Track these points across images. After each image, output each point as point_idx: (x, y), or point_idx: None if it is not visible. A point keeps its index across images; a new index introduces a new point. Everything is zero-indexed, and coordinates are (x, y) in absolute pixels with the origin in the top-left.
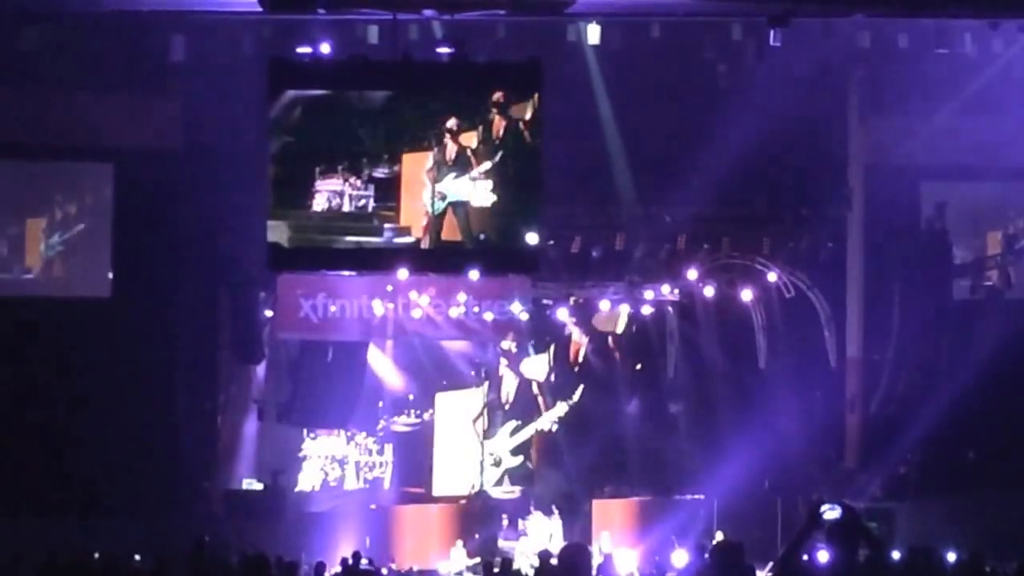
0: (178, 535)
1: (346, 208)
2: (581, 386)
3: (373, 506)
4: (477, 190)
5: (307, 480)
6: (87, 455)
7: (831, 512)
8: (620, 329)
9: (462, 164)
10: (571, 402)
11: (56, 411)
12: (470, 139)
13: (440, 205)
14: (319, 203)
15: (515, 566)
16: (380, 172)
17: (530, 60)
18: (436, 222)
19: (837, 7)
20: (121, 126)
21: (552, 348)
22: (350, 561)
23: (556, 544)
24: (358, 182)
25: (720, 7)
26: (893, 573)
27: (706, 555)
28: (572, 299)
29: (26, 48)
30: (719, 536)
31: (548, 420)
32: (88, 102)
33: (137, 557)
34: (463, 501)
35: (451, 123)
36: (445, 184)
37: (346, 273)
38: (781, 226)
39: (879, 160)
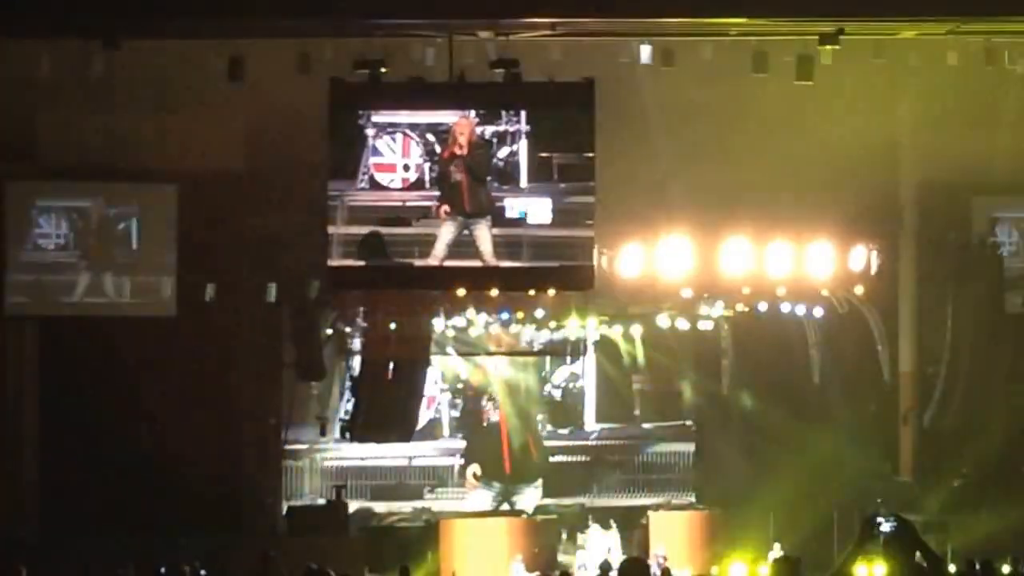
0: (242, 550)
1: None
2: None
3: (433, 520)
4: (534, 206)
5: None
6: (153, 472)
7: (886, 524)
8: None
9: None
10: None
11: (122, 428)
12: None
13: None
14: None
15: None
16: None
17: (584, 80)
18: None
19: (886, 25)
20: (185, 148)
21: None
22: None
23: (614, 558)
24: None
25: (771, 27)
26: None
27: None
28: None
29: (93, 73)
30: (776, 549)
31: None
32: (153, 124)
33: (203, 573)
34: (523, 515)
35: None
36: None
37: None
38: (833, 242)
39: (930, 176)
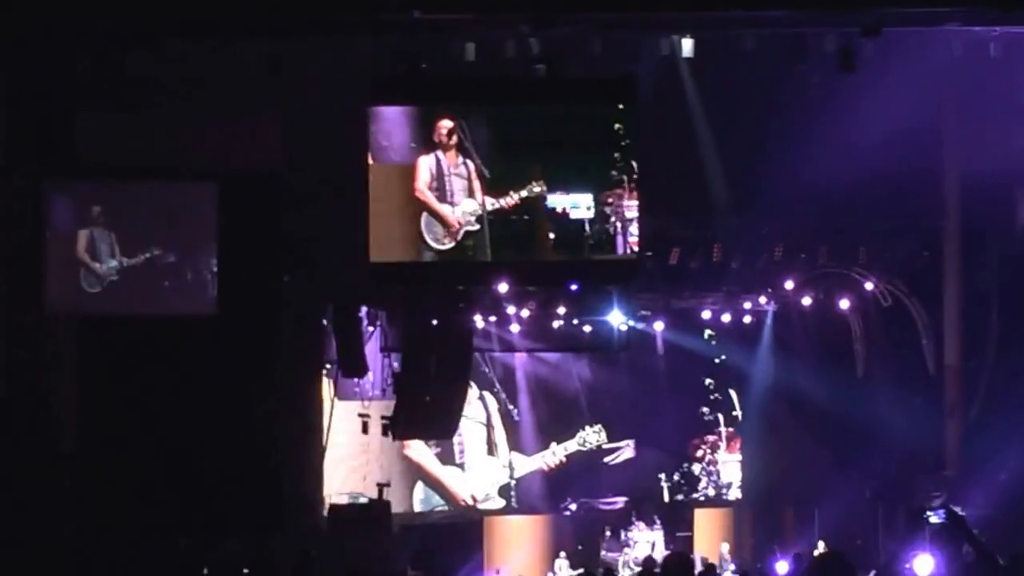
0: (284, 549)
1: None
2: None
3: (477, 517)
4: (576, 201)
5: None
6: (195, 471)
7: (935, 517)
8: None
9: None
10: None
11: (162, 429)
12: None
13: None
14: None
15: None
16: None
17: (626, 74)
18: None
19: (929, 17)
20: (225, 146)
21: None
22: None
23: (658, 554)
24: None
25: (812, 18)
26: (1001, 573)
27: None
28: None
29: (131, 72)
30: (821, 545)
31: None
32: (192, 123)
33: (246, 572)
34: (567, 512)
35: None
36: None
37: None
38: (878, 235)
39: (974, 168)
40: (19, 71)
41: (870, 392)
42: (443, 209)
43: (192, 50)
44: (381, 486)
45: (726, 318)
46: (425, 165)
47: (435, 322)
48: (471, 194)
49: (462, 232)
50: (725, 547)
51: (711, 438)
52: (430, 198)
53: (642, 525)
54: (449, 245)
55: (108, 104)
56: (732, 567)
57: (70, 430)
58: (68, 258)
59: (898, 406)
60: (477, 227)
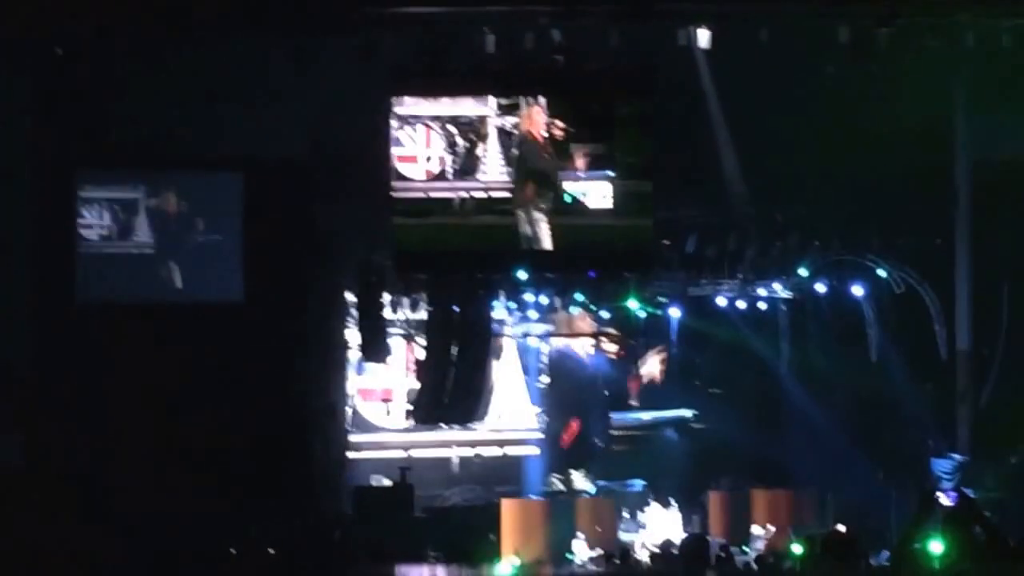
0: (309, 531)
1: None
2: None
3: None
4: (594, 189)
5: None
6: (223, 454)
7: (947, 500)
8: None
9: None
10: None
11: (189, 416)
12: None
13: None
14: None
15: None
16: None
17: (644, 65)
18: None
19: (942, 7)
20: (250, 136)
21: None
22: None
23: (675, 536)
24: None
25: (826, 9)
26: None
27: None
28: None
29: (160, 63)
30: (838, 528)
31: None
32: (218, 113)
33: (271, 553)
34: (584, 495)
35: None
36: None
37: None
38: (890, 223)
39: (985, 156)
40: (52, 63)
41: (883, 377)
42: None
43: (219, 41)
44: (404, 469)
45: (741, 305)
46: None
47: (456, 308)
48: None
49: None
50: (756, 530)
51: None
52: None
53: (658, 507)
54: None
55: (139, 96)
56: (760, 547)
57: (99, 419)
58: (99, 245)
59: (911, 391)
60: None
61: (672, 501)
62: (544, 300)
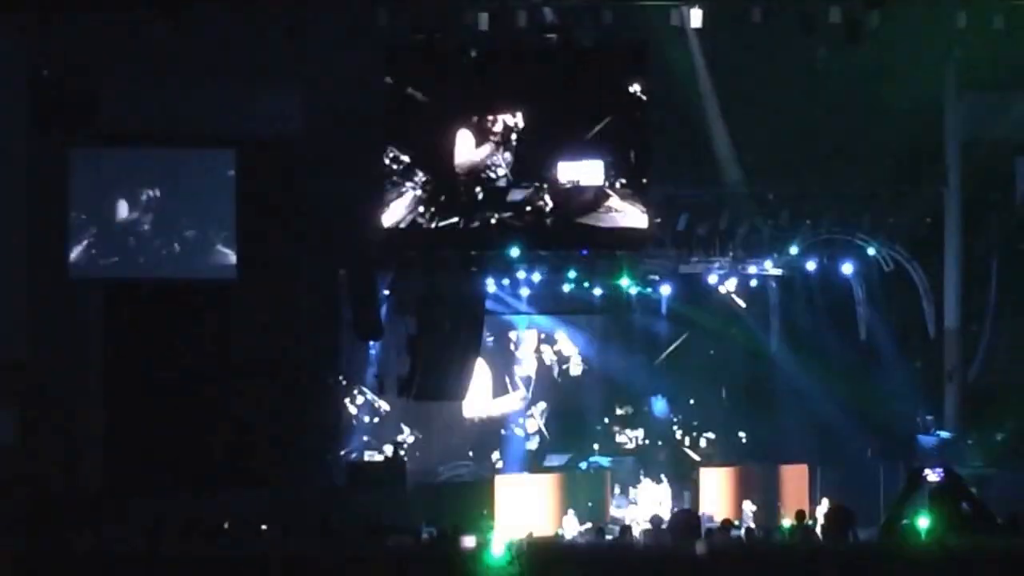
0: (303, 506)
1: None
2: None
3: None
4: (587, 169)
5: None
6: (217, 430)
7: (934, 476)
8: None
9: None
10: None
11: (184, 390)
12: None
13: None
14: None
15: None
16: None
17: (636, 43)
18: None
19: None
20: (242, 114)
21: None
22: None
23: (665, 511)
24: None
25: None
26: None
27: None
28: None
29: (152, 40)
30: (825, 503)
31: None
32: (211, 91)
33: (264, 528)
34: (577, 470)
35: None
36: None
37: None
38: (880, 202)
39: (975, 136)
40: (45, 42)
41: (872, 354)
42: None
43: (212, 19)
44: (396, 444)
45: (732, 282)
46: None
47: (448, 286)
48: None
49: None
50: (748, 505)
51: None
52: None
53: (649, 483)
54: None
55: (131, 73)
56: (750, 525)
57: (96, 392)
58: (92, 223)
59: (899, 368)
60: None
61: (662, 476)
62: (537, 276)
